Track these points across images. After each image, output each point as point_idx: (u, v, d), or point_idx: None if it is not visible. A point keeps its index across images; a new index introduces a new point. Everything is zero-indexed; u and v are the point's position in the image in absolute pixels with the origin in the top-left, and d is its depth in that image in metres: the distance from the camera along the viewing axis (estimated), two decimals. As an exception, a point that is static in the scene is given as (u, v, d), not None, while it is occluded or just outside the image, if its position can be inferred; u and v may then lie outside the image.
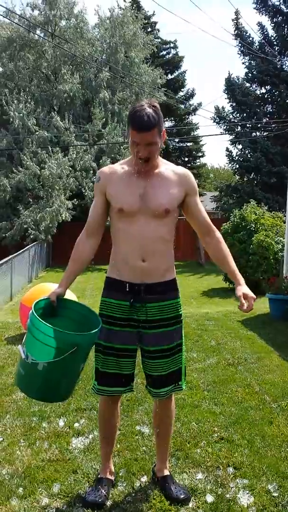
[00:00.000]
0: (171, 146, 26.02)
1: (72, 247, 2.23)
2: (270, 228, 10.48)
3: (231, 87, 19.98)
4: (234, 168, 20.76)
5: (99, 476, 2.33)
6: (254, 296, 2.06)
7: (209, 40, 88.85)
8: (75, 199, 16.92)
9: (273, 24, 19.57)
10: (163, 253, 2.15)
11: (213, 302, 9.51)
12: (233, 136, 20.55)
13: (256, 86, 20.66)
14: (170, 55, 26.58)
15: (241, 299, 2.05)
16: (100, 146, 18.35)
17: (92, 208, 2.23)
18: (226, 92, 20.18)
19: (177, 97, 25.43)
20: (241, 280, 2.14)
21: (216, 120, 20.47)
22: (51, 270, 16.40)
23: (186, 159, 27.48)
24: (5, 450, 2.70)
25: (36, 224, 16.02)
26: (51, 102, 18.81)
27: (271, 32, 19.85)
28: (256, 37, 20.33)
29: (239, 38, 20.09)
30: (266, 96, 20.52)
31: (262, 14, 19.69)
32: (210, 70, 77.28)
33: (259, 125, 19.80)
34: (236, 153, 20.23)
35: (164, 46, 26.58)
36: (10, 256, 11.16)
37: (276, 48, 19.84)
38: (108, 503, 2.19)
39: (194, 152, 27.54)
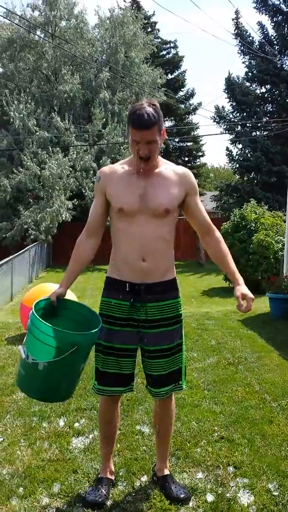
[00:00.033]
0: (171, 145, 26.02)
1: (73, 247, 2.24)
2: (270, 227, 10.48)
3: (231, 86, 19.98)
4: (234, 167, 20.76)
5: (99, 475, 2.33)
6: (253, 297, 2.06)
7: (209, 40, 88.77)
8: (75, 199, 16.94)
9: (273, 24, 19.57)
10: (163, 253, 2.15)
11: (213, 302, 9.52)
12: (233, 136, 20.56)
13: (256, 86, 20.66)
14: (170, 55, 26.58)
15: (239, 299, 2.06)
16: (100, 146, 18.36)
17: (92, 208, 2.23)
18: (226, 91, 20.19)
19: (177, 97, 25.43)
20: (240, 280, 2.14)
21: (216, 120, 20.48)
22: (51, 270, 16.41)
23: (186, 158, 27.47)
24: (6, 450, 2.70)
25: (36, 224, 16.03)
26: (51, 102, 18.82)
27: (271, 32, 19.89)
28: (256, 36, 20.35)
29: (239, 38, 20.09)
30: (266, 95, 20.52)
31: (262, 14, 19.70)
32: (210, 69, 77.34)
33: (259, 125, 19.79)
34: (236, 152, 20.25)
35: (164, 46, 26.58)
36: (11, 257, 11.18)
37: (276, 47, 19.84)
38: (108, 502, 2.19)
39: (194, 152, 27.52)
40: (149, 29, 24.87)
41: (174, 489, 2.23)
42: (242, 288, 2.09)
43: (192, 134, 25.47)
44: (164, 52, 26.60)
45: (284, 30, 19.48)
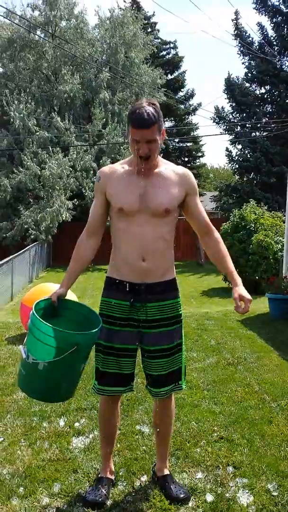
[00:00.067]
0: (171, 146, 26.03)
1: (73, 247, 2.24)
2: (269, 228, 10.50)
3: (231, 87, 20.00)
4: (233, 168, 20.78)
5: (99, 475, 2.34)
6: (250, 298, 2.07)
7: (209, 40, 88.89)
8: (75, 199, 16.95)
9: (272, 24, 19.58)
10: (163, 252, 2.16)
11: (213, 302, 9.53)
12: (233, 136, 20.57)
13: (255, 86, 20.68)
14: (170, 55, 26.58)
15: (237, 301, 2.07)
16: (100, 146, 18.36)
17: (93, 208, 2.24)
18: (225, 92, 20.21)
19: (177, 97, 25.44)
20: (239, 281, 2.14)
21: (216, 120, 20.50)
22: (51, 270, 16.42)
23: (186, 159, 27.48)
24: (6, 450, 2.71)
25: (36, 224, 16.04)
26: (52, 102, 18.82)
27: (270, 32, 19.89)
28: (256, 37, 20.43)
29: (238, 38, 20.10)
30: (265, 96, 20.53)
31: (262, 14, 19.71)
32: (210, 70, 77.42)
33: (258, 125, 19.81)
34: (236, 153, 20.27)
35: (164, 46, 26.59)
36: (11, 256, 11.18)
37: (276, 48, 19.85)
38: (108, 502, 2.20)
39: (194, 152, 27.54)
40: (149, 30, 24.88)
41: (174, 489, 2.24)
42: (240, 290, 2.10)
43: (192, 134, 25.49)
44: (164, 53, 26.61)
45: (283, 31, 19.49)
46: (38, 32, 19.21)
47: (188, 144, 27.07)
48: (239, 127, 20.53)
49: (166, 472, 2.35)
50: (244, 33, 20.21)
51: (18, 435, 2.89)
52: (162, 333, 2.17)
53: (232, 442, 2.76)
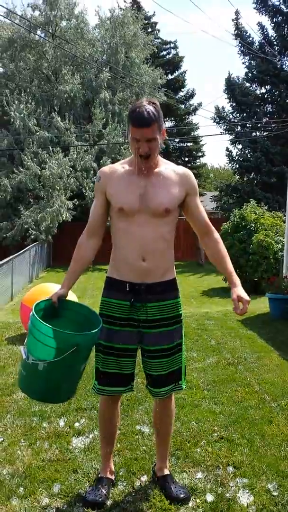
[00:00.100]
0: (171, 146, 26.03)
1: (73, 247, 2.24)
2: (270, 227, 10.50)
3: (231, 87, 20.00)
4: (234, 168, 20.78)
5: (99, 475, 2.34)
6: (249, 299, 2.08)
7: (209, 40, 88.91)
8: (75, 199, 16.95)
9: (273, 24, 19.59)
10: (163, 252, 2.15)
11: (213, 302, 9.53)
12: (233, 136, 20.57)
13: (256, 86, 20.69)
14: (170, 55, 26.58)
15: (235, 302, 2.08)
16: (101, 146, 18.37)
17: (93, 208, 2.23)
18: (226, 92, 20.22)
19: (177, 97, 25.44)
20: (237, 282, 2.15)
21: (216, 120, 20.50)
22: (51, 270, 16.42)
23: (186, 159, 27.48)
24: (6, 450, 2.70)
25: (36, 224, 16.04)
26: (52, 102, 18.82)
27: (271, 32, 19.91)
28: (256, 37, 20.41)
29: (239, 38, 20.11)
30: (266, 96, 20.54)
31: (262, 14, 19.72)
32: (210, 70, 77.42)
33: (259, 125, 19.81)
34: (236, 153, 20.27)
35: (164, 46, 26.59)
36: (11, 256, 11.19)
37: (276, 48, 19.85)
38: (108, 502, 2.19)
39: (194, 152, 27.54)
40: (149, 30, 24.88)
41: (174, 489, 2.24)
42: (238, 291, 2.11)
43: (192, 134, 25.49)
44: (164, 53, 26.62)
45: (284, 31, 19.49)
46: (39, 32, 19.22)
47: (189, 144, 27.07)
48: (239, 127, 20.54)
49: (166, 472, 2.35)
50: (244, 33, 20.22)
51: (18, 435, 2.89)
52: (162, 333, 2.17)
53: (232, 442, 2.76)
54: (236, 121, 20.32)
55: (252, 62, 20.11)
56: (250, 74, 20.19)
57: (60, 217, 16.15)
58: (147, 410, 3.17)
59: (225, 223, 11.36)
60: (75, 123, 18.32)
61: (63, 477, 2.40)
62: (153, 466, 2.43)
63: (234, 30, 20.32)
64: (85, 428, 2.95)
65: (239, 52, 20.31)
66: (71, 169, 17.13)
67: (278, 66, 19.33)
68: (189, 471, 2.46)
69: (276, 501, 2.20)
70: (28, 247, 14.24)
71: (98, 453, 2.55)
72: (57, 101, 18.58)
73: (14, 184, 16.52)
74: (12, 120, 16.87)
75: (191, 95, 26.59)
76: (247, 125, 19.95)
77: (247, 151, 19.67)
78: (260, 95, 20.51)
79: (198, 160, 28.39)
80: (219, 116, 20.37)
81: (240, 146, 20.18)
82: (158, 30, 26.71)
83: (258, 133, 20.13)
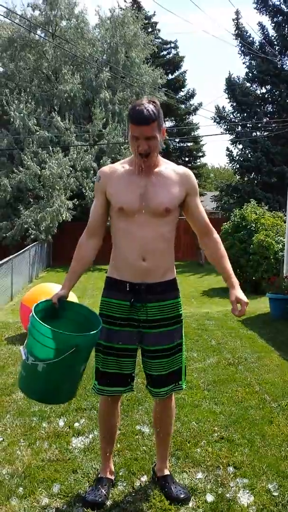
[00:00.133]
0: (172, 146, 26.02)
1: (73, 247, 2.24)
2: (270, 227, 10.49)
3: (232, 87, 19.99)
4: (234, 168, 20.77)
5: (99, 475, 2.33)
6: (247, 301, 2.08)
7: (209, 40, 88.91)
8: (75, 199, 16.94)
9: (273, 24, 19.57)
10: (163, 252, 2.15)
11: (213, 302, 9.52)
12: (234, 136, 20.55)
13: (256, 86, 20.67)
14: (171, 55, 26.58)
15: (234, 304, 2.09)
16: (101, 146, 18.36)
17: (93, 208, 2.23)
18: (226, 92, 20.20)
19: (177, 97, 25.44)
20: (236, 283, 2.15)
21: (217, 120, 20.49)
22: (51, 270, 16.41)
23: (187, 159, 27.48)
24: (5, 450, 2.70)
25: (36, 224, 16.03)
26: (52, 102, 18.81)
27: (271, 32, 19.89)
28: (257, 37, 20.40)
29: (239, 38, 20.09)
30: (266, 95, 20.52)
31: (263, 14, 19.69)
32: (211, 70, 77.40)
33: (259, 125, 19.80)
34: (237, 153, 20.24)
35: (165, 46, 26.58)
36: (11, 256, 11.17)
37: (277, 47, 19.84)
38: (108, 502, 2.19)
39: (194, 152, 27.53)
40: (150, 29, 24.87)
41: (174, 489, 2.23)
42: (237, 292, 2.12)
43: (192, 134, 25.48)
44: (165, 52, 26.61)
45: (284, 31, 19.48)
46: (39, 32, 19.21)
47: (189, 144, 27.07)
48: (239, 127, 20.52)
49: (166, 472, 2.34)
50: (244, 33, 20.20)
51: (18, 435, 2.88)
52: (163, 333, 2.17)
53: (232, 442, 2.76)
54: (236, 121, 20.31)
55: (253, 62, 20.10)
56: (250, 74, 20.18)
57: (60, 217, 16.14)
58: (147, 410, 3.16)
59: (225, 223, 11.36)
60: (75, 123, 18.32)
61: (63, 477, 2.39)
62: (153, 466, 2.43)
63: (235, 30, 20.32)
64: (85, 428, 2.94)
65: (240, 52, 20.31)
66: (71, 169, 17.12)
67: (278, 66, 19.32)
68: (189, 471, 2.46)
69: (276, 502, 2.19)
70: (28, 247, 14.23)
71: (98, 453, 2.54)
72: (57, 100, 18.57)
73: (14, 184, 16.51)
74: (12, 119, 16.86)
75: (192, 95, 26.60)
76: (248, 125, 19.94)
77: (247, 151, 19.66)
78: (260, 95, 20.50)
79: (198, 160, 28.40)
80: (220, 116, 20.36)
81: (240, 146, 20.17)
82: (158, 30, 26.72)
83: (258, 133, 20.12)
